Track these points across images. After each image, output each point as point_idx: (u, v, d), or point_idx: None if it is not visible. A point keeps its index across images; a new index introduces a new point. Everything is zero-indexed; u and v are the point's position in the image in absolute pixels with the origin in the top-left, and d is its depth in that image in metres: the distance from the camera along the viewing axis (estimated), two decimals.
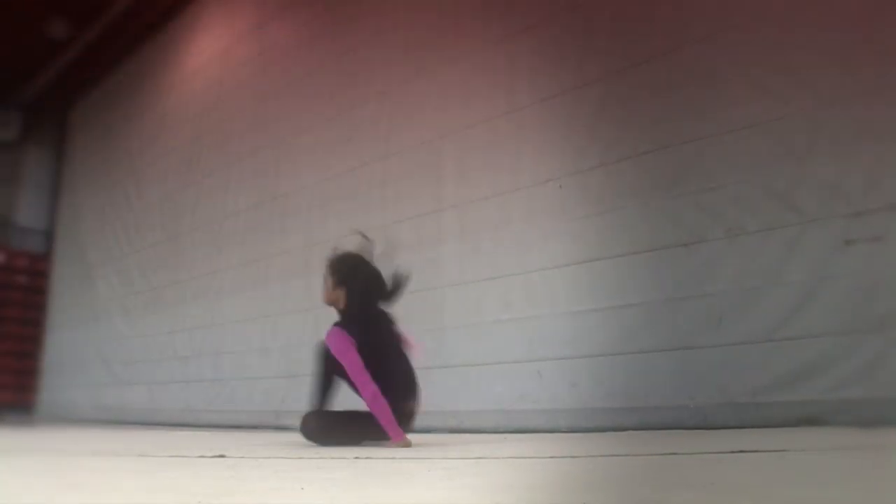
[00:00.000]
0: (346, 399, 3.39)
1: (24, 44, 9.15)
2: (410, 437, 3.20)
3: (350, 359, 3.16)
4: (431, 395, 3.95)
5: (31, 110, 10.61)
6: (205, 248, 7.38)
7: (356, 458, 2.56)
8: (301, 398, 5.64)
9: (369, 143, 5.77)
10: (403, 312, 5.07)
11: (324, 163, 6.16)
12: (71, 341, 9.54)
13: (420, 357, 3.53)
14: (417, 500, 1.52)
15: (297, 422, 3.41)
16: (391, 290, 3.41)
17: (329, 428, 3.29)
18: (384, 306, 3.44)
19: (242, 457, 2.73)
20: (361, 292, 3.39)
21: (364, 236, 3.51)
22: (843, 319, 3.28)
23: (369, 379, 3.13)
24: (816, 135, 3.51)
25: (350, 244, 3.51)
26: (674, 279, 3.86)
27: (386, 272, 3.43)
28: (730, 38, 3.87)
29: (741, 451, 2.28)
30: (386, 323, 3.44)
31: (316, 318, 5.81)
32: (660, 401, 3.77)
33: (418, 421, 3.44)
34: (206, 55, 8.17)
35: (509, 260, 4.59)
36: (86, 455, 3.00)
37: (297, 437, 3.38)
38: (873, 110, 3.36)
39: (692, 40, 4.02)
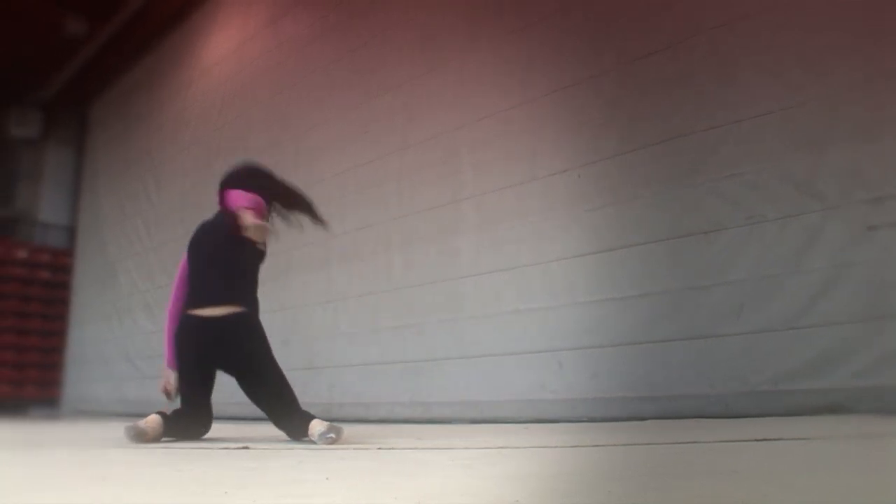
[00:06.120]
0: None
1: (42, 43, 9.24)
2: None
3: None
4: (451, 386, 3.98)
5: (52, 109, 10.72)
6: None
7: (379, 448, 2.58)
8: (321, 390, 5.75)
9: (386, 136, 5.77)
10: (422, 304, 5.12)
11: (341, 156, 6.17)
12: (94, 336, 9.64)
13: None
14: (439, 489, 1.53)
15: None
16: None
17: None
18: None
19: (266, 448, 2.76)
20: None
21: None
22: (865, 306, 3.25)
23: None
24: (835, 121, 3.47)
25: None
26: (694, 268, 3.84)
27: None
28: (746, 26, 3.83)
29: (764, 440, 2.28)
30: None
31: (335, 310, 5.86)
32: (681, 390, 3.75)
33: (438, 411, 3.45)
34: (222, 50, 8.20)
35: (527, 250, 4.58)
36: (112, 448, 3.05)
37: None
38: (893, 95, 3.31)
39: (708, 28, 3.98)
